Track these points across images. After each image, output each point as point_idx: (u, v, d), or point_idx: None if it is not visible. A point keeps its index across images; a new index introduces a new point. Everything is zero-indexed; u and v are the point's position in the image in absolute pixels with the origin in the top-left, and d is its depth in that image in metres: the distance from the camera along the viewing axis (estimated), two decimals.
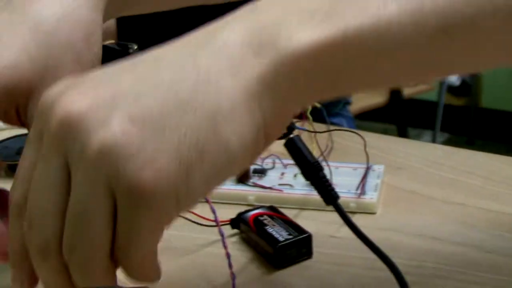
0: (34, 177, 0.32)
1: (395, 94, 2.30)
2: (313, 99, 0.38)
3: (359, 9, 0.32)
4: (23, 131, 0.68)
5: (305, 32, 0.32)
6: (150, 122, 0.30)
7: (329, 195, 0.41)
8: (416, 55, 0.33)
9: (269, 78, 0.32)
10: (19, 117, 0.42)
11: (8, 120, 0.42)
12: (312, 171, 0.41)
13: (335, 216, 0.53)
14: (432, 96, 2.46)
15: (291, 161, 0.58)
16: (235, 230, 0.50)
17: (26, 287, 0.35)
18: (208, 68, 0.32)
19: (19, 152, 0.64)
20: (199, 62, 0.32)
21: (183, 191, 0.31)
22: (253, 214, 0.50)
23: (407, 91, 2.33)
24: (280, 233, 0.47)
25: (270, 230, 0.48)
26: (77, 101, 0.31)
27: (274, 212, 0.50)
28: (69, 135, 0.31)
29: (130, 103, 0.31)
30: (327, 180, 0.42)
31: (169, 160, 0.30)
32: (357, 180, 0.55)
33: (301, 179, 0.56)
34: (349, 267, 0.47)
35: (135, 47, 0.50)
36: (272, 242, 0.46)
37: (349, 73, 0.33)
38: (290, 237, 0.47)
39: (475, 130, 2.66)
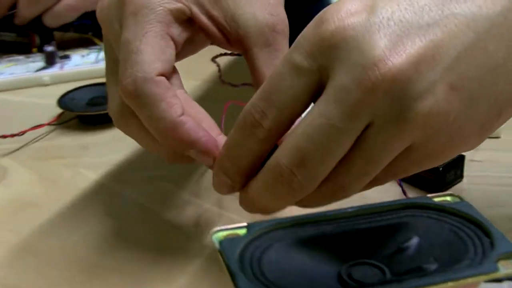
0: (312, 117, 0.31)
1: None
2: None
3: None
4: (89, 81, 0.62)
5: None
6: (467, 91, 0.31)
7: None
8: None
9: None
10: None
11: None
12: None
13: None
14: None
15: None
16: None
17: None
18: None
19: (90, 103, 0.60)
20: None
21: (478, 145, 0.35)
22: None
23: None
24: None
25: None
26: (398, 57, 0.30)
27: None
28: (390, 93, 0.30)
29: (450, 68, 0.30)
30: None
31: (475, 127, 0.33)
32: None
33: None
34: (504, 186, 0.47)
35: None
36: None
37: None
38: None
39: None
